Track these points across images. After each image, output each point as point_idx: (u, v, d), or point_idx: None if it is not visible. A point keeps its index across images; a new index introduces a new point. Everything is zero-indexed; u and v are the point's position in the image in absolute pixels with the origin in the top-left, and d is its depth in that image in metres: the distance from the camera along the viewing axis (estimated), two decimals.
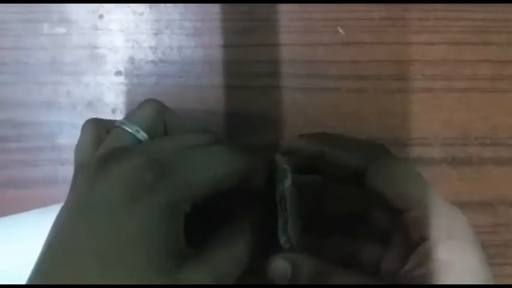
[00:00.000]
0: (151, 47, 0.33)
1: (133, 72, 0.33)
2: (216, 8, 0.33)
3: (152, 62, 0.33)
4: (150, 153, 0.21)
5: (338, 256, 0.26)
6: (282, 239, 0.23)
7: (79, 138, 0.24)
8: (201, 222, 0.24)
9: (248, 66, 0.33)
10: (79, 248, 0.18)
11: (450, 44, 0.33)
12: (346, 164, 0.24)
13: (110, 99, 0.33)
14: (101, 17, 0.33)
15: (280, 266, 0.22)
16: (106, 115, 0.33)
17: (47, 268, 0.18)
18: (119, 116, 0.33)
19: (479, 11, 0.33)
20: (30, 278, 0.18)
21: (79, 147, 0.24)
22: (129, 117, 0.24)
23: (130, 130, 0.23)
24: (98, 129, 0.24)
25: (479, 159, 0.33)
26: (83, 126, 0.25)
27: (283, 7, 0.33)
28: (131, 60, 0.33)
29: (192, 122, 0.33)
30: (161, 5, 0.33)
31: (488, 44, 0.33)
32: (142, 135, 0.23)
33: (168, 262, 0.19)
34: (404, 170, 0.24)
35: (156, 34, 0.33)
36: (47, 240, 0.20)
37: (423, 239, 0.22)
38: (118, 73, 0.33)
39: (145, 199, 0.19)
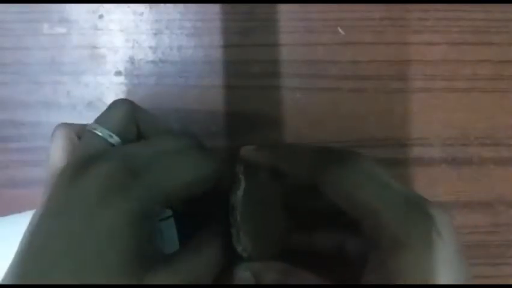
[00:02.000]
0: (151, 47, 0.33)
1: (133, 72, 0.33)
2: (216, 8, 0.33)
3: (152, 62, 0.33)
4: (123, 158, 0.21)
5: (328, 249, 0.26)
6: (239, 248, 0.24)
7: (51, 145, 0.24)
8: (183, 227, 0.25)
9: (248, 66, 0.33)
10: (51, 249, 0.18)
11: (450, 44, 0.33)
12: (297, 177, 0.24)
13: (110, 99, 0.33)
14: (101, 17, 0.33)
15: (244, 277, 0.23)
16: None
17: (20, 269, 0.19)
18: None
19: (479, 11, 0.33)
20: (3, 279, 0.19)
21: (51, 154, 0.24)
22: (100, 120, 0.24)
23: (101, 135, 0.23)
24: (70, 134, 0.24)
25: (479, 159, 0.33)
26: (54, 132, 0.25)
27: (283, 7, 0.33)
28: (131, 60, 0.33)
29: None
30: (161, 5, 0.33)
31: (488, 44, 0.33)
32: (114, 139, 0.23)
33: (136, 265, 0.19)
34: (354, 177, 0.22)
35: (156, 34, 0.33)
36: (21, 242, 0.20)
37: (376, 247, 0.20)
38: (118, 73, 0.33)
39: (117, 202, 0.19)
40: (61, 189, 0.20)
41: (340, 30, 0.33)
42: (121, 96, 0.33)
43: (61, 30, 0.33)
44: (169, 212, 0.25)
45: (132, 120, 0.24)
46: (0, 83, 0.33)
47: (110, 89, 0.33)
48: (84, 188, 0.20)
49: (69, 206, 0.19)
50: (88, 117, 0.32)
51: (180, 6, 0.33)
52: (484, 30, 0.33)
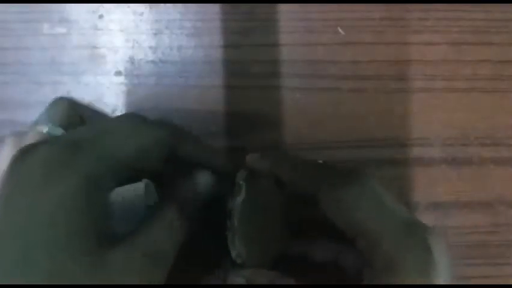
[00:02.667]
0: (151, 47, 0.33)
1: (133, 72, 0.33)
2: (216, 8, 0.33)
3: (152, 62, 0.33)
4: (65, 137, 0.20)
5: (325, 261, 0.26)
6: (233, 253, 0.24)
7: (2, 152, 0.24)
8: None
9: (248, 66, 0.33)
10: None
11: (450, 44, 0.33)
12: (298, 188, 0.24)
13: (110, 99, 0.33)
14: (101, 17, 0.33)
15: (237, 282, 0.23)
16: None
17: None
18: None
19: (479, 11, 0.33)
20: None
21: (0, 160, 0.24)
22: (41, 117, 0.23)
23: (44, 127, 0.22)
24: (19, 143, 0.24)
25: (479, 159, 0.33)
26: (4, 141, 0.24)
27: (283, 7, 0.33)
28: (131, 60, 0.33)
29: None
30: (161, 5, 0.33)
31: (488, 44, 0.33)
32: (58, 130, 0.22)
33: (91, 241, 0.18)
34: (353, 197, 0.22)
35: (156, 34, 0.33)
36: None
37: (370, 265, 0.21)
38: (118, 73, 0.33)
39: (62, 176, 0.18)
40: (4, 177, 0.19)
41: (340, 30, 0.33)
42: (121, 96, 0.33)
43: (61, 30, 0.33)
44: (146, 182, 0.24)
45: (74, 114, 0.23)
46: (0, 83, 0.33)
47: (110, 89, 0.33)
48: (24, 170, 0.18)
49: (10, 190, 0.18)
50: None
51: (180, 6, 0.33)
52: (484, 30, 0.33)
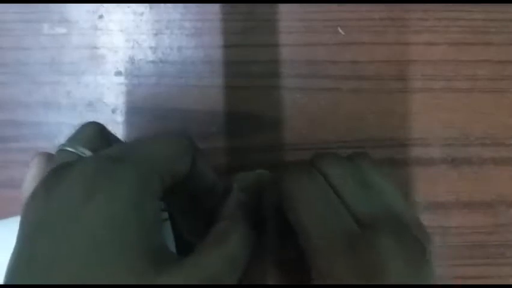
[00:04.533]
0: (151, 47, 0.33)
1: (133, 72, 0.33)
2: (216, 8, 0.33)
3: (152, 62, 0.33)
4: (101, 153, 0.19)
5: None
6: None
7: (27, 174, 0.23)
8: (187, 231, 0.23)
9: (248, 66, 0.33)
10: (45, 260, 0.15)
11: (450, 44, 0.33)
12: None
13: (110, 100, 0.33)
14: (101, 17, 0.33)
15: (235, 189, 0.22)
16: (106, 115, 0.33)
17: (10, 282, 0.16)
18: (119, 116, 0.33)
19: (479, 11, 0.33)
20: None
21: (24, 183, 0.22)
22: (71, 138, 0.22)
23: (73, 150, 0.21)
24: (45, 163, 0.22)
25: (479, 159, 0.33)
26: (31, 160, 0.23)
27: (283, 7, 0.33)
28: (131, 60, 0.33)
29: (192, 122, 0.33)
30: (161, 5, 0.33)
31: (488, 44, 0.33)
32: (87, 152, 0.21)
33: (145, 261, 0.16)
34: (296, 195, 0.22)
35: (156, 34, 0.33)
36: (12, 255, 0.17)
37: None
38: (118, 73, 0.33)
39: (106, 188, 0.16)
40: (42, 198, 0.17)
41: (340, 30, 0.33)
42: (121, 96, 0.33)
43: (61, 30, 0.33)
44: (165, 215, 0.24)
45: (104, 137, 0.22)
46: (0, 83, 0.33)
47: (110, 89, 0.33)
48: (62, 187, 0.17)
49: (54, 209, 0.16)
50: (88, 118, 0.32)
51: (180, 6, 0.33)
52: (483, 30, 0.33)
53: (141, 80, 0.33)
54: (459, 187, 0.33)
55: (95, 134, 0.22)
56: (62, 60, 0.33)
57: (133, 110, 0.33)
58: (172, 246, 0.24)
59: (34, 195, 0.17)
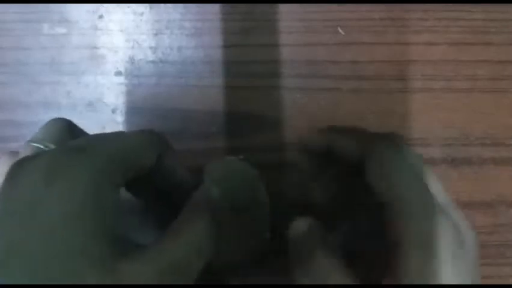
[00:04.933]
0: (151, 47, 0.33)
1: (133, 72, 0.33)
2: (216, 8, 0.33)
3: (152, 62, 0.33)
4: (64, 145, 0.19)
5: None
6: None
7: None
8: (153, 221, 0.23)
9: (248, 66, 0.33)
10: (3, 247, 0.16)
11: (450, 44, 0.33)
12: (349, 155, 0.23)
13: (110, 100, 0.33)
14: (101, 17, 0.33)
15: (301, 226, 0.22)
16: (106, 115, 0.33)
17: None
18: (119, 116, 0.33)
19: (479, 11, 0.33)
20: None
21: None
22: (37, 134, 0.22)
23: (39, 145, 0.21)
24: (12, 158, 0.22)
25: (479, 159, 0.33)
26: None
27: (283, 7, 0.33)
28: (131, 60, 0.33)
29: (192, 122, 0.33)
30: (161, 5, 0.33)
31: (488, 44, 0.33)
32: (52, 147, 0.21)
33: (102, 246, 0.16)
34: (397, 161, 0.21)
35: (156, 34, 0.33)
36: None
37: (397, 243, 0.19)
38: (118, 73, 0.33)
39: (67, 175, 0.16)
40: (1, 190, 0.17)
41: (340, 30, 0.33)
42: (121, 96, 0.33)
43: (61, 30, 0.33)
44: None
45: (71, 132, 0.22)
46: (0, 83, 0.33)
47: (111, 89, 0.33)
48: (24, 175, 0.17)
49: (8, 197, 0.17)
50: (88, 118, 0.32)
51: (180, 6, 0.33)
52: (483, 30, 0.33)
53: (141, 80, 0.33)
54: (459, 187, 0.33)
55: (62, 129, 0.22)
56: (62, 60, 0.33)
57: (133, 110, 0.33)
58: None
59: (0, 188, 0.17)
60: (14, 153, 0.23)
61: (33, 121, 0.33)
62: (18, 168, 0.18)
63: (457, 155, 0.33)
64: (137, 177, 0.19)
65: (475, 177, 0.33)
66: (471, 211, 0.33)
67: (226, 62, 0.33)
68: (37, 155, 0.18)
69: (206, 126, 0.32)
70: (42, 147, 0.21)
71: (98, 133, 0.21)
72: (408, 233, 0.19)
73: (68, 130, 0.22)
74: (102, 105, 0.33)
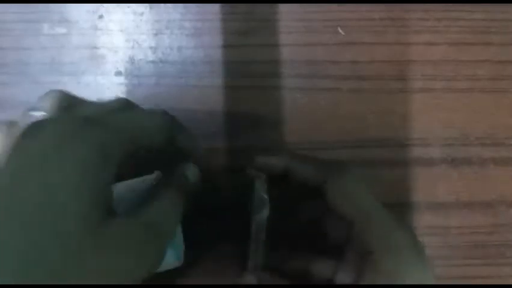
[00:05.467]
0: (151, 47, 0.33)
1: (133, 72, 0.33)
2: (216, 8, 0.33)
3: (152, 62, 0.33)
4: (72, 113, 0.21)
5: (290, 269, 0.27)
6: (252, 263, 0.24)
7: None
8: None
9: (248, 66, 0.33)
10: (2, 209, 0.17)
11: (450, 44, 0.33)
12: (309, 179, 0.26)
13: None
14: (101, 17, 0.33)
15: (249, 282, 0.25)
16: None
17: None
18: None
19: (479, 11, 0.33)
20: None
21: None
22: (35, 105, 0.23)
23: (41, 113, 0.22)
24: (9, 127, 0.23)
25: (479, 159, 0.33)
26: None
27: (283, 7, 0.33)
28: (131, 60, 0.33)
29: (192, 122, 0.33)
30: (161, 5, 0.33)
31: (488, 44, 0.33)
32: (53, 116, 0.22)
33: (99, 208, 0.18)
34: (353, 185, 0.25)
35: (156, 34, 0.33)
36: None
37: (369, 252, 0.23)
38: (118, 73, 0.33)
39: (75, 146, 0.18)
40: (8, 155, 0.18)
41: (340, 30, 0.33)
42: (121, 96, 0.33)
43: (61, 30, 0.33)
44: (157, 173, 0.25)
45: (68, 102, 0.23)
46: (1, 83, 0.33)
47: (111, 89, 0.33)
48: (36, 143, 0.18)
49: (21, 161, 0.18)
50: None
51: (180, 6, 0.33)
52: (484, 30, 0.33)
53: (141, 80, 0.33)
54: (459, 187, 0.33)
55: (59, 100, 0.23)
56: (62, 60, 0.33)
57: None
58: (180, 245, 0.26)
59: (11, 150, 0.19)
60: (13, 122, 0.24)
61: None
62: (30, 136, 0.19)
63: (457, 155, 0.33)
64: (144, 155, 0.21)
65: (475, 177, 0.33)
66: (471, 211, 0.33)
67: (226, 62, 0.33)
68: (46, 123, 0.19)
69: (206, 126, 0.32)
70: (41, 115, 0.22)
71: (109, 101, 0.23)
72: (378, 242, 0.23)
73: (65, 99, 0.23)
74: None
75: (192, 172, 0.24)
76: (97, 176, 0.18)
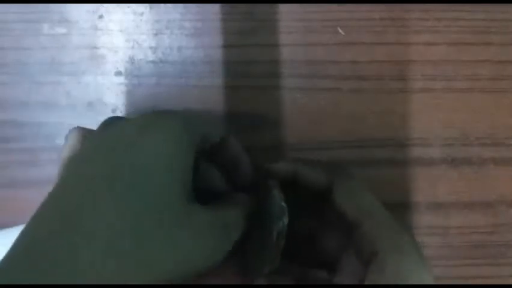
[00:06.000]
0: (151, 47, 0.33)
1: (133, 72, 0.33)
2: (216, 8, 0.33)
3: (152, 62, 0.33)
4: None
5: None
6: (267, 268, 0.24)
7: (64, 144, 0.25)
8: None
9: (248, 66, 0.33)
10: (92, 181, 0.18)
11: (450, 44, 0.33)
12: (317, 182, 0.26)
13: (110, 100, 0.33)
14: (101, 17, 0.33)
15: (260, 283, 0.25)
16: (106, 115, 0.32)
17: (55, 193, 0.19)
18: None
19: (479, 11, 0.33)
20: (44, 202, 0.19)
21: (62, 152, 0.24)
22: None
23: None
24: (82, 136, 0.25)
25: (479, 159, 0.33)
26: (69, 133, 0.25)
27: (283, 7, 0.33)
28: (131, 60, 0.33)
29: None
30: (161, 5, 0.33)
31: (488, 44, 0.33)
32: None
33: (183, 195, 0.19)
34: (358, 187, 0.26)
35: (156, 34, 0.33)
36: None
37: (374, 253, 0.23)
38: (118, 73, 0.33)
39: (159, 127, 0.19)
40: (95, 137, 0.20)
41: (340, 30, 0.33)
42: (121, 96, 0.33)
43: (61, 30, 0.33)
44: None
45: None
46: (0, 83, 0.33)
47: (111, 89, 0.33)
48: (120, 125, 0.19)
49: (108, 140, 0.19)
50: (88, 118, 0.32)
51: (180, 6, 0.33)
52: (484, 30, 0.33)
53: (141, 80, 0.33)
54: (459, 187, 0.33)
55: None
56: (62, 60, 0.33)
57: (133, 110, 0.33)
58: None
59: (88, 137, 0.21)
60: (84, 129, 0.25)
61: (33, 121, 0.33)
62: (112, 121, 0.21)
63: (457, 155, 0.33)
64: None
65: (475, 177, 0.33)
66: (471, 211, 0.33)
67: (226, 62, 0.33)
68: (125, 117, 0.21)
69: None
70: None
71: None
72: (383, 243, 0.23)
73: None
74: (102, 105, 0.33)
75: (249, 202, 0.25)
76: (184, 156, 0.19)
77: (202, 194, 0.22)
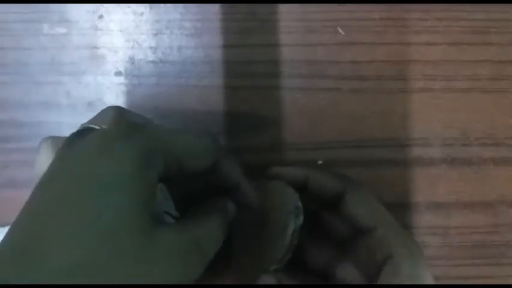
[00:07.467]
0: (151, 47, 0.33)
1: (133, 72, 0.33)
2: (216, 8, 0.33)
3: (152, 62, 0.33)
4: (120, 123, 0.22)
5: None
6: (275, 266, 0.25)
7: (37, 157, 0.24)
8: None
9: (248, 66, 0.33)
10: (54, 198, 0.17)
11: (450, 44, 0.33)
12: (328, 189, 0.27)
13: (110, 100, 0.33)
14: (101, 17, 0.33)
15: (268, 282, 0.25)
16: None
17: (18, 221, 0.18)
18: None
19: (479, 11, 0.33)
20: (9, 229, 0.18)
21: (36, 166, 0.24)
22: (89, 120, 0.24)
23: (94, 126, 0.23)
24: (55, 147, 0.24)
25: (479, 159, 0.33)
26: (40, 145, 0.25)
27: (283, 7, 0.33)
28: (131, 60, 0.33)
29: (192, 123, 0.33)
30: (161, 5, 0.33)
31: (488, 44, 0.33)
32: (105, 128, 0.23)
33: (145, 216, 0.18)
34: (371, 196, 0.27)
35: (156, 34, 0.33)
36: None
37: (388, 256, 0.24)
38: (118, 73, 0.33)
39: (120, 147, 0.18)
40: (60, 154, 0.19)
41: (340, 30, 0.33)
42: (121, 96, 0.33)
43: (61, 30, 0.33)
44: (160, 186, 0.25)
45: (122, 116, 0.24)
46: (0, 83, 0.33)
47: (111, 89, 0.33)
48: (82, 144, 0.19)
49: (71, 159, 0.19)
50: (88, 117, 0.32)
51: (180, 6, 0.33)
52: (484, 30, 0.33)
53: (141, 80, 0.33)
54: (459, 187, 0.33)
55: (113, 117, 0.24)
56: (62, 60, 0.33)
57: (133, 110, 0.33)
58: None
59: (57, 152, 0.20)
60: (55, 137, 0.25)
61: (33, 121, 0.33)
62: (76, 137, 0.20)
63: (457, 155, 0.33)
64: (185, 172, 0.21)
65: (475, 177, 0.33)
66: (471, 211, 0.33)
67: (226, 62, 0.33)
68: (92, 128, 0.21)
69: (206, 126, 0.32)
70: (97, 127, 0.23)
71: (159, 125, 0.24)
72: (397, 247, 0.24)
73: (120, 115, 0.24)
74: (102, 105, 0.33)
75: (232, 207, 0.24)
76: (142, 177, 0.18)
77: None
